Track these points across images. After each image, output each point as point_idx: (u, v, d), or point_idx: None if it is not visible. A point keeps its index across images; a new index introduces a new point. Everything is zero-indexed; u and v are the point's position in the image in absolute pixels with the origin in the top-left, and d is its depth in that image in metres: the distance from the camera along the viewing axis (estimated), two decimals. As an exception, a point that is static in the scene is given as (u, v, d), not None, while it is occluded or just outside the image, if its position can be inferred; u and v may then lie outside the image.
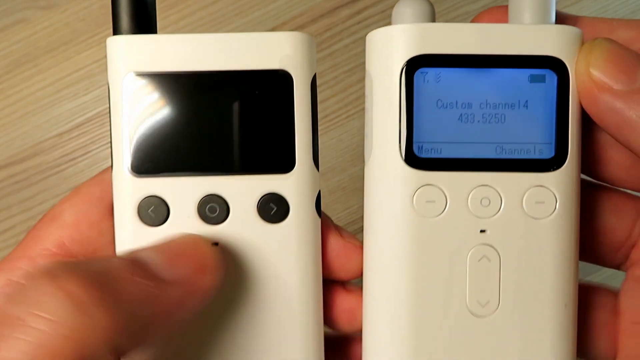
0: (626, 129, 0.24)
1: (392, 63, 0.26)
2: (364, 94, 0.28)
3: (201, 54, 0.26)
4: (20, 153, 0.51)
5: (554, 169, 0.26)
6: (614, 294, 0.29)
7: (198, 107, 0.26)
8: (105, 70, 0.27)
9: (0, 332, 0.19)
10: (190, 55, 0.26)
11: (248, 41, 0.26)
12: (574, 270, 0.26)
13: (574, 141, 0.26)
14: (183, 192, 0.27)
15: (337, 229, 0.29)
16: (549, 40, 0.25)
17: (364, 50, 0.28)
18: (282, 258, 0.27)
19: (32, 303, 0.20)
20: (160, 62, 0.26)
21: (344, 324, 0.29)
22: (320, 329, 0.28)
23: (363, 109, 0.28)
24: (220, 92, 0.26)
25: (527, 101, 0.26)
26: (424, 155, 0.26)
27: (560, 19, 0.27)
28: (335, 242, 0.28)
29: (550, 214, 0.26)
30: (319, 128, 0.49)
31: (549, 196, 0.26)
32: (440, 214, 0.26)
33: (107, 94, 0.27)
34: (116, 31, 0.27)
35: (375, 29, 0.27)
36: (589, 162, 0.27)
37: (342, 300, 0.29)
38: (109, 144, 0.27)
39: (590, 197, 0.28)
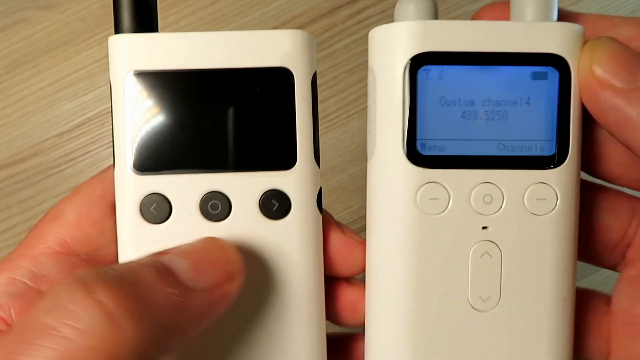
0: (626, 127, 0.24)
1: (396, 60, 0.26)
2: (364, 94, 0.28)
3: (202, 52, 0.26)
4: (20, 153, 0.51)
5: (556, 166, 0.26)
6: (607, 297, 0.29)
7: (200, 105, 0.26)
8: (106, 70, 0.27)
9: (32, 340, 0.20)
10: (192, 54, 0.26)
11: (249, 39, 0.26)
12: (572, 265, 0.27)
13: (574, 138, 0.26)
14: (185, 189, 0.27)
15: (338, 225, 0.29)
16: (551, 38, 0.25)
17: (364, 50, 0.28)
18: (284, 254, 0.27)
19: (65, 313, 0.20)
20: (162, 61, 0.26)
21: (347, 317, 0.29)
22: (323, 324, 0.28)
23: (363, 109, 0.28)
24: (222, 89, 0.26)
25: (529, 98, 0.26)
26: (427, 152, 0.26)
27: (562, 16, 0.27)
28: (336, 238, 0.28)
29: (551, 211, 0.26)
30: (319, 128, 0.49)
31: (550, 193, 0.26)
32: (443, 211, 0.26)
33: (107, 93, 0.27)
34: (117, 30, 0.27)
35: (377, 26, 0.27)
36: (586, 158, 0.27)
37: (345, 294, 0.29)
38: (109, 144, 0.27)
39: (587, 195, 0.28)
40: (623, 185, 0.28)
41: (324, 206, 0.28)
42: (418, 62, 0.25)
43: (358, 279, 0.30)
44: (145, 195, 0.26)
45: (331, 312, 0.29)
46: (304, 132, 0.27)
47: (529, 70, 0.26)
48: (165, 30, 0.49)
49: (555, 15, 0.26)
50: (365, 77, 0.28)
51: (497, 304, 0.26)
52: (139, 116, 0.26)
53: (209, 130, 0.26)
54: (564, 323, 0.27)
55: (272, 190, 0.27)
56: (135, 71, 0.26)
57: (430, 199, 0.26)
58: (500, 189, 0.26)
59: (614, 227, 0.28)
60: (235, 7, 0.51)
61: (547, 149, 0.26)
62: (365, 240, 0.28)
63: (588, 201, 0.28)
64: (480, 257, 0.26)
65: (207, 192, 0.27)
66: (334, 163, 0.50)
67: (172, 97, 0.26)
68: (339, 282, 0.29)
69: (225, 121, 0.26)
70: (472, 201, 0.26)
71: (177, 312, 0.22)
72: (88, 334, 0.20)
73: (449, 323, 0.26)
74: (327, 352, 0.29)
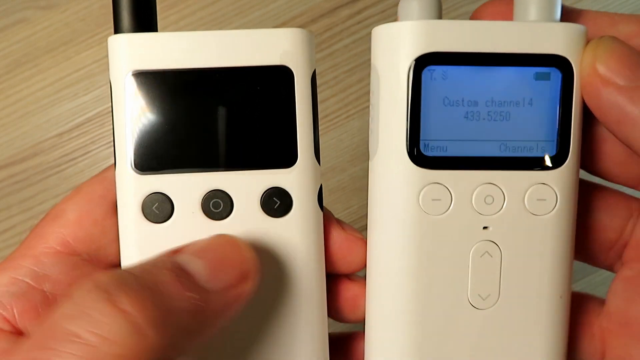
0: (626, 124, 0.24)
1: (400, 60, 0.26)
2: (364, 94, 0.28)
3: (202, 51, 0.26)
4: (20, 153, 0.51)
5: (556, 167, 0.26)
6: (600, 299, 0.29)
7: (200, 104, 0.26)
8: (106, 70, 0.27)
9: (56, 347, 0.20)
10: (192, 53, 0.26)
11: (249, 38, 0.26)
12: (569, 263, 0.27)
13: (575, 139, 0.26)
14: (187, 188, 0.27)
15: (339, 222, 0.29)
16: (554, 39, 0.25)
17: (364, 50, 0.28)
18: (286, 251, 0.27)
19: (90, 321, 0.20)
20: (162, 60, 0.26)
21: (348, 313, 0.30)
22: (325, 320, 0.28)
23: (363, 109, 0.28)
24: (222, 88, 0.26)
25: (531, 99, 0.26)
26: (430, 153, 0.26)
27: (563, 13, 0.27)
28: (337, 235, 0.29)
29: (551, 211, 0.26)
30: (319, 128, 0.49)
31: (550, 193, 0.26)
32: (445, 212, 0.26)
33: (107, 93, 0.27)
34: (117, 30, 0.27)
35: (380, 24, 0.27)
36: (584, 156, 0.27)
37: (346, 289, 0.29)
38: (109, 144, 0.27)
39: (583, 195, 0.28)
40: (620, 184, 0.28)
41: (324, 205, 0.29)
42: (422, 63, 0.25)
43: (358, 275, 0.30)
44: (147, 194, 0.27)
45: (332, 308, 0.29)
46: (305, 129, 0.27)
47: (532, 70, 0.26)
48: (165, 30, 0.49)
49: (558, 14, 0.26)
50: (365, 77, 0.28)
51: (496, 302, 0.27)
52: (140, 116, 0.26)
53: (210, 129, 0.26)
54: (561, 319, 0.27)
55: (274, 188, 0.27)
56: (135, 71, 0.26)
57: (432, 200, 0.26)
58: (501, 190, 0.26)
59: (610, 227, 0.28)
60: (235, 7, 0.51)
61: (548, 149, 0.26)
62: (365, 237, 0.28)
63: (585, 201, 0.28)
64: (481, 256, 0.26)
65: (208, 190, 0.27)
66: (334, 163, 0.50)
67: (172, 97, 0.26)
68: (339, 278, 0.30)
69: (226, 120, 0.27)
70: (473, 202, 0.26)
71: (196, 315, 0.23)
72: (112, 342, 0.20)
73: (448, 321, 0.27)
74: (329, 352, 0.29)
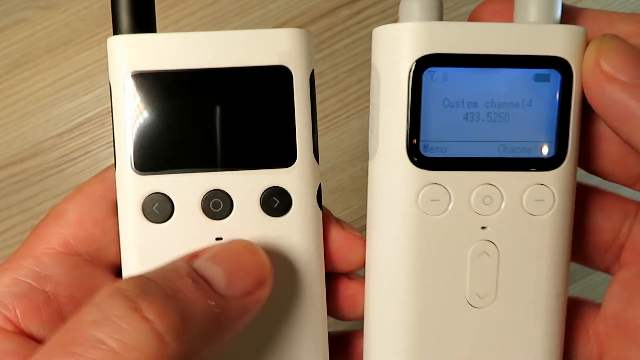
0: (630, 121, 0.24)
1: (401, 61, 0.26)
2: (364, 94, 0.28)
3: (201, 52, 0.26)
4: (20, 153, 0.51)
5: (554, 168, 0.26)
6: (595, 303, 0.30)
7: (199, 104, 0.27)
8: (106, 70, 0.27)
9: (81, 352, 0.20)
10: (191, 53, 0.26)
11: (247, 38, 0.27)
12: (566, 263, 0.27)
13: (573, 140, 0.26)
14: (187, 188, 0.27)
15: (338, 221, 0.29)
16: (554, 41, 0.26)
17: (364, 50, 0.28)
18: (285, 251, 0.28)
19: (114, 327, 0.21)
20: (161, 61, 0.26)
21: (347, 311, 0.30)
22: (324, 319, 0.29)
23: (363, 109, 0.29)
24: (221, 89, 0.27)
25: (531, 100, 0.26)
26: (429, 154, 0.26)
27: (564, 11, 0.27)
28: (336, 234, 0.29)
29: (548, 211, 0.26)
30: (319, 128, 0.49)
31: (548, 194, 0.26)
32: (444, 212, 0.26)
33: (107, 93, 0.27)
34: (116, 31, 0.27)
35: (380, 25, 0.27)
36: (581, 154, 0.27)
37: (345, 287, 0.30)
38: (109, 144, 0.27)
39: (579, 197, 0.28)
40: (617, 182, 0.28)
41: (324, 205, 0.29)
42: (423, 64, 0.26)
43: (358, 273, 0.30)
44: (147, 194, 0.27)
45: (331, 306, 0.30)
46: (303, 129, 0.27)
47: (532, 72, 0.26)
48: (165, 30, 0.49)
49: (559, 14, 0.26)
50: (365, 77, 0.28)
51: (493, 301, 0.27)
52: (139, 116, 0.26)
53: (209, 129, 0.27)
54: (557, 318, 0.27)
55: (273, 187, 0.27)
56: (135, 72, 0.26)
57: (431, 200, 0.26)
58: (500, 191, 0.26)
59: (605, 228, 0.29)
60: (235, 7, 0.51)
61: (546, 150, 0.26)
62: (365, 236, 0.29)
63: (581, 203, 0.28)
64: (479, 256, 0.27)
65: (208, 190, 0.27)
66: (334, 163, 0.50)
67: (172, 97, 0.27)
68: (339, 276, 0.30)
69: (226, 120, 0.27)
70: (472, 202, 0.26)
71: (214, 321, 0.23)
72: (135, 349, 0.20)
73: (446, 319, 0.27)
74: (329, 351, 0.29)
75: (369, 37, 0.28)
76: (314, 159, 0.28)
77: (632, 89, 0.24)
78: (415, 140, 0.26)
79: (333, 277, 0.30)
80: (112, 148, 0.27)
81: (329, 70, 0.50)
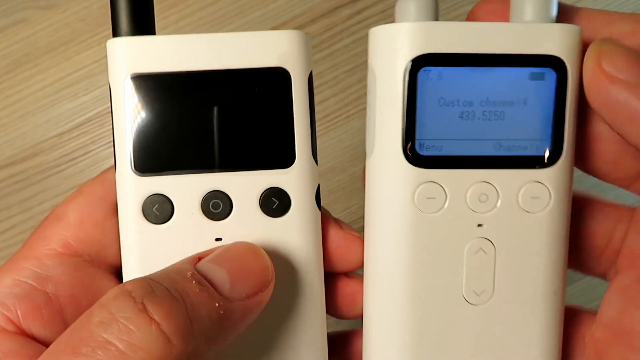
0: (634, 121, 0.24)
1: (396, 61, 0.26)
2: (364, 94, 0.28)
3: (200, 54, 0.27)
4: (20, 153, 0.51)
5: (550, 165, 0.26)
6: (592, 311, 0.30)
7: (199, 106, 0.27)
8: (106, 70, 0.27)
9: (89, 353, 0.21)
10: (190, 55, 0.27)
11: (246, 40, 0.27)
12: (563, 260, 0.28)
13: (569, 138, 0.27)
14: (186, 189, 0.27)
15: (337, 221, 0.30)
16: (549, 40, 0.26)
17: (364, 50, 0.28)
18: (285, 251, 0.28)
19: (121, 328, 0.21)
20: (161, 63, 0.27)
21: (346, 309, 0.30)
22: (323, 318, 0.29)
23: (363, 109, 0.29)
24: (220, 90, 0.27)
25: (526, 98, 0.26)
26: (425, 153, 0.26)
27: (560, 10, 0.27)
28: (335, 234, 0.29)
29: (544, 208, 0.27)
30: (319, 128, 0.49)
31: (544, 191, 0.27)
32: (440, 210, 0.27)
33: (107, 93, 0.28)
34: (115, 33, 0.27)
35: (378, 25, 0.27)
36: (576, 154, 0.28)
37: (344, 286, 0.30)
38: (109, 144, 0.28)
39: (571, 203, 0.28)
40: (611, 183, 0.28)
41: (324, 205, 0.29)
42: (419, 64, 0.26)
43: (356, 272, 0.30)
44: (147, 196, 0.27)
45: (331, 305, 0.30)
46: (302, 130, 0.28)
47: (527, 71, 0.26)
48: (165, 30, 0.49)
49: (554, 13, 0.27)
50: (365, 77, 0.28)
51: (490, 298, 0.27)
52: (139, 118, 0.27)
53: (208, 131, 0.27)
54: (555, 315, 0.28)
55: (272, 188, 0.27)
56: (134, 74, 0.27)
57: (427, 198, 0.26)
58: (495, 188, 0.27)
59: (597, 233, 0.29)
60: (235, 7, 0.51)
61: (542, 148, 0.26)
62: (363, 236, 0.29)
63: (573, 208, 0.28)
64: (475, 253, 0.27)
65: (208, 191, 0.27)
66: (334, 163, 0.50)
67: (171, 99, 0.27)
68: (338, 275, 0.30)
69: (225, 121, 0.27)
70: (468, 200, 0.27)
71: (218, 323, 0.24)
72: (142, 349, 0.21)
73: (444, 316, 0.27)
74: (327, 350, 0.29)
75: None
76: (313, 160, 0.28)
77: (635, 89, 0.24)
78: (411, 139, 0.26)
79: (332, 276, 0.30)
80: (112, 148, 0.27)
81: (329, 70, 0.51)
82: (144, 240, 0.27)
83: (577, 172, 0.28)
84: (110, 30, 0.28)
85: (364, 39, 0.28)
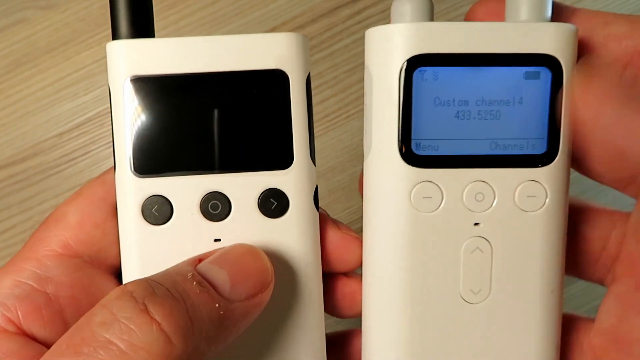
0: (626, 138, 0.24)
1: (392, 62, 0.26)
2: (363, 94, 0.28)
3: (199, 56, 0.27)
4: (20, 153, 0.51)
5: (546, 164, 0.27)
6: (589, 319, 0.30)
7: (198, 108, 0.27)
8: (106, 70, 0.28)
9: (90, 353, 0.21)
10: (189, 58, 0.27)
11: (244, 42, 0.27)
12: (561, 258, 0.28)
13: (565, 136, 0.27)
14: (186, 190, 0.27)
15: (335, 222, 0.30)
16: (544, 39, 0.26)
17: (363, 50, 0.28)
18: (283, 251, 0.28)
19: (122, 328, 0.22)
20: (160, 66, 0.27)
21: (345, 308, 0.31)
22: (322, 319, 0.29)
23: (363, 109, 0.29)
24: (219, 92, 0.27)
25: (521, 98, 0.26)
26: (421, 152, 0.27)
27: (557, 10, 0.27)
28: (333, 235, 0.29)
29: (541, 207, 0.27)
30: (319, 128, 0.49)
31: (540, 190, 0.27)
32: (436, 209, 0.27)
33: (107, 93, 0.28)
34: (115, 36, 0.28)
35: (373, 27, 0.27)
36: (572, 155, 0.28)
37: (343, 286, 0.30)
38: (109, 144, 0.28)
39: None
40: (606, 184, 0.28)
41: (324, 206, 0.29)
42: (414, 64, 0.26)
43: (355, 271, 0.31)
44: (146, 197, 0.27)
45: (330, 304, 0.30)
46: (300, 131, 0.28)
47: (522, 70, 0.26)
48: (165, 30, 0.50)
49: (549, 13, 0.27)
50: (364, 74, 0.28)
51: (487, 297, 0.28)
52: (139, 120, 0.27)
53: (208, 132, 0.27)
54: (552, 313, 0.28)
55: (271, 189, 0.28)
56: (134, 76, 0.27)
57: (423, 197, 0.27)
58: (492, 187, 0.27)
59: (592, 239, 0.29)
60: (235, 7, 0.51)
61: (538, 147, 0.27)
62: (361, 236, 0.29)
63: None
64: (472, 252, 0.27)
65: (207, 192, 0.28)
66: (334, 163, 0.50)
67: (170, 101, 0.27)
68: (337, 275, 0.31)
69: (224, 123, 0.27)
70: (464, 199, 0.27)
71: (219, 323, 0.24)
72: (143, 349, 0.21)
73: (441, 315, 0.28)
74: (326, 350, 0.30)
75: (368, 38, 0.28)
76: (311, 161, 0.28)
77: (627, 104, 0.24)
78: (407, 139, 0.27)
79: (331, 276, 0.30)
80: (112, 149, 0.28)
81: (329, 70, 0.51)
82: (144, 241, 0.28)
83: (575, 174, 0.28)
84: (110, 30, 0.28)
85: (364, 39, 0.28)
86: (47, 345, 0.26)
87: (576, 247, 0.29)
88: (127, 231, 0.28)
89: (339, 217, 0.46)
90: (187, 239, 0.28)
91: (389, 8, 0.28)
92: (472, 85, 0.26)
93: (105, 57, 0.28)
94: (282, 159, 0.28)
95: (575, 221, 0.29)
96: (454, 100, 0.27)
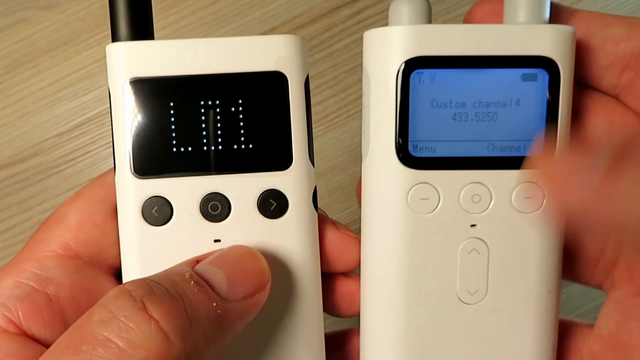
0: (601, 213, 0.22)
1: (389, 64, 0.27)
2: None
3: (199, 58, 0.27)
4: (20, 153, 0.52)
5: None
6: (588, 324, 0.30)
7: (197, 110, 0.27)
8: (105, 70, 0.28)
9: (89, 351, 0.22)
10: (189, 60, 0.27)
11: (243, 44, 0.27)
12: (557, 259, 0.28)
13: (562, 138, 0.27)
14: (185, 191, 0.28)
15: (333, 222, 0.30)
16: (541, 41, 0.26)
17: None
18: (282, 252, 0.28)
19: (121, 327, 0.22)
20: (160, 67, 0.27)
21: (344, 308, 0.31)
22: (321, 318, 0.30)
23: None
24: (219, 94, 0.27)
25: (519, 99, 0.27)
26: (418, 154, 0.27)
27: (556, 11, 0.27)
28: (332, 235, 0.30)
29: (538, 209, 0.27)
30: (319, 128, 0.49)
31: (537, 192, 0.27)
32: (433, 211, 0.27)
33: (107, 93, 0.28)
34: (115, 38, 0.28)
35: (379, 25, 0.27)
36: None
37: (342, 286, 0.31)
38: (109, 144, 0.28)
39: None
40: None
41: (324, 206, 0.29)
42: (411, 66, 0.27)
43: (354, 271, 0.31)
44: (146, 198, 0.28)
45: (329, 304, 0.31)
46: (299, 133, 0.28)
47: (519, 72, 0.27)
48: (165, 30, 0.50)
49: (547, 15, 0.27)
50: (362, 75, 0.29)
51: (484, 297, 0.28)
52: (139, 122, 0.27)
53: (207, 134, 0.27)
54: (549, 314, 0.28)
55: (270, 190, 0.28)
56: (133, 78, 0.27)
57: (420, 199, 0.27)
58: (488, 189, 0.27)
59: (589, 244, 0.29)
60: (235, 7, 0.51)
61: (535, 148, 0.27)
62: (359, 236, 0.29)
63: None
64: (468, 253, 0.28)
65: (207, 193, 0.28)
66: (334, 163, 0.50)
67: (170, 103, 0.27)
68: (336, 275, 0.31)
69: (223, 124, 0.28)
70: (461, 200, 0.27)
71: (216, 323, 0.24)
72: (142, 347, 0.22)
73: (438, 315, 0.28)
74: (325, 350, 0.30)
75: (368, 38, 0.28)
76: (310, 162, 0.28)
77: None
78: (404, 141, 0.27)
79: (331, 276, 0.31)
80: (112, 150, 0.28)
81: (329, 70, 0.51)
82: (144, 241, 0.28)
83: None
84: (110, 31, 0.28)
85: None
86: (48, 345, 0.26)
87: (574, 253, 0.29)
88: (127, 232, 0.28)
89: (339, 217, 0.46)
90: (187, 239, 0.28)
91: (388, 8, 0.28)
92: (469, 87, 0.27)
93: (105, 57, 0.28)
94: (281, 160, 0.28)
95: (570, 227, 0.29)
96: (451, 102, 0.27)
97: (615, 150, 0.20)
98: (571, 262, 0.30)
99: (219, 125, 0.28)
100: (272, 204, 0.28)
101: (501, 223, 0.27)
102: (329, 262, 0.30)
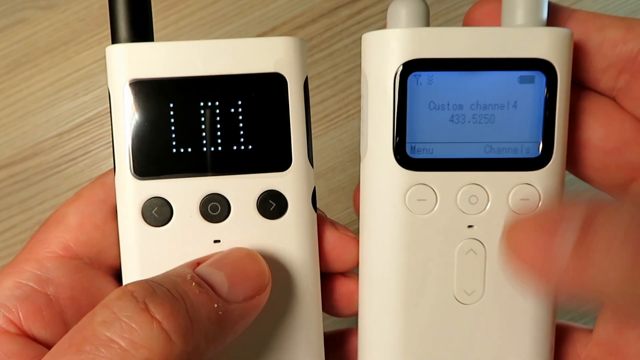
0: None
1: (387, 66, 0.27)
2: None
3: (198, 60, 0.27)
4: (20, 153, 0.52)
5: (540, 168, 0.27)
6: (587, 329, 0.30)
7: (197, 111, 0.28)
8: (105, 70, 0.28)
9: (91, 351, 0.22)
10: (188, 61, 0.27)
11: (243, 46, 0.28)
12: None
13: (559, 140, 0.27)
14: (185, 192, 0.28)
15: (332, 222, 0.30)
16: (538, 43, 0.27)
17: (362, 52, 0.29)
18: (281, 252, 0.29)
19: (123, 327, 0.22)
20: (159, 69, 0.27)
21: (343, 307, 0.31)
22: (320, 318, 0.30)
23: (361, 111, 0.29)
24: (218, 95, 0.28)
25: (516, 101, 0.27)
26: (416, 155, 0.27)
27: (554, 12, 0.28)
28: (331, 235, 0.30)
29: (534, 210, 0.27)
30: (319, 128, 0.49)
31: (534, 193, 0.27)
32: (430, 212, 0.28)
33: (106, 93, 0.28)
34: (115, 39, 0.28)
35: (374, 29, 0.28)
36: (565, 159, 0.28)
37: (341, 286, 0.31)
38: (109, 144, 0.28)
39: None
40: (599, 189, 0.29)
41: (324, 206, 0.29)
42: (408, 69, 0.27)
43: (353, 271, 0.31)
44: (146, 199, 0.28)
45: (328, 304, 0.31)
46: (298, 134, 0.28)
47: (516, 74, 0.27)
48: (165, 30, 0.50)
49: (544, 17, 0.27)
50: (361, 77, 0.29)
51: (481, 298, 0.28)
52: (138, 123, 0.27)
53: (207, 135, 0.28)
54: (545, 314, 0.28)
55: (269, 191, 0.28)
56: (133, 80, 0.27)
57: (418, 200, 0.27)
58: (485, 190, 0.27)
59: None
60: (235, 7, 0.51)
61: (532, 150, 0.27)
62: (358, 236, 0.30)
63: None
64: (466, 254, 0.28)
65: (206, 194, 0.28)
66: (334, 163, 0.50)
67: (169, 104, 0.28)
68: (335, 275, 0.31)
69: (223, 126, 0.28)
70: (458, 202, 0.27)
71: (218, 324, 0.24)
72: (144, 347, 0.22)
73: (436, 315, 0.28)
74: (324, 349, 0.30)
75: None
76: (309, 163, 0.29)
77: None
78: (402, 142, 0.27)
79: (329, 275, 0.31)
80: (112, 150, 0.28)
81: (329, 70, 0.51)
82: (144, 242, 0.28)
83: (569, 176, 0.28)
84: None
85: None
86: (48, 346, 0.27)
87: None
88: (127, 233, 0.28)
89: (338, 217, 0.46)
90: (186, 240, 0.28)
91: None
92: (466, 89, 0.27)
93: (105, 57, 0.28)
94: (280, 161, 0.28)
95: None
96: (448, 104, 0.27)
97: (582, 220, 0.20)
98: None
99: (218, 126, 0.28)
100: (272, 205, 0.28)
101: (498, 224, 0.28)
102: (328, 262, 0.30)
